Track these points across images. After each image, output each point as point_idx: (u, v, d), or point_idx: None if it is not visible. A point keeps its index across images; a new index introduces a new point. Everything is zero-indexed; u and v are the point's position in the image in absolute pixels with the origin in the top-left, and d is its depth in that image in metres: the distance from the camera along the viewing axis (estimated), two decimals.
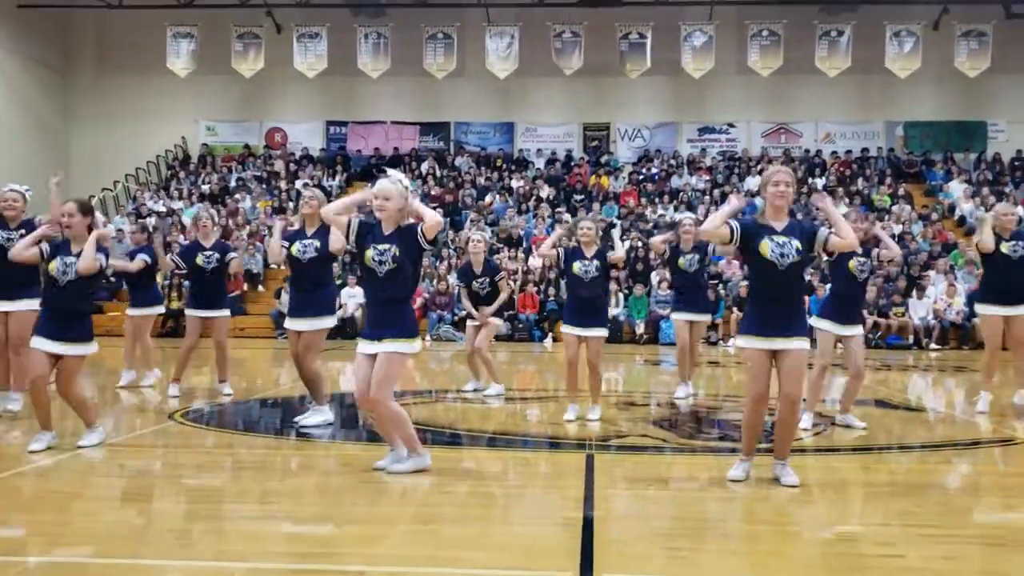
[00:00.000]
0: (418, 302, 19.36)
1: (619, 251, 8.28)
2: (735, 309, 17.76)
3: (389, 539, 4.63)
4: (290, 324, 7.86)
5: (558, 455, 7.02)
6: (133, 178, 25.93)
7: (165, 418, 8.18)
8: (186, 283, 17.39)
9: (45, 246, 6.72)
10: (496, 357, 11.07)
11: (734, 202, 5.70)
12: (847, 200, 22.76)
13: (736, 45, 23.91)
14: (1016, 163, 24.89)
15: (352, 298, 18.87)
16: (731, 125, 26.41)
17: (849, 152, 25.65)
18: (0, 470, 5.92)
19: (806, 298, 15.98)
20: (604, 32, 23.29)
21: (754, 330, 5.62)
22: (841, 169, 24.83)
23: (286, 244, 7.81)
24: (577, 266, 7.99)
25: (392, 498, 5.45)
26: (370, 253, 5.83)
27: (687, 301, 9.78)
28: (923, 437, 7.83)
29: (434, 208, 22.48)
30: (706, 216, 21.98)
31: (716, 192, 23.68)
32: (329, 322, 7.87)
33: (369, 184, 24.25)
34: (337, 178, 25.22)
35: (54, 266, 6.39)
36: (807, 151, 25.76)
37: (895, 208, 22.71)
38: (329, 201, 7.08)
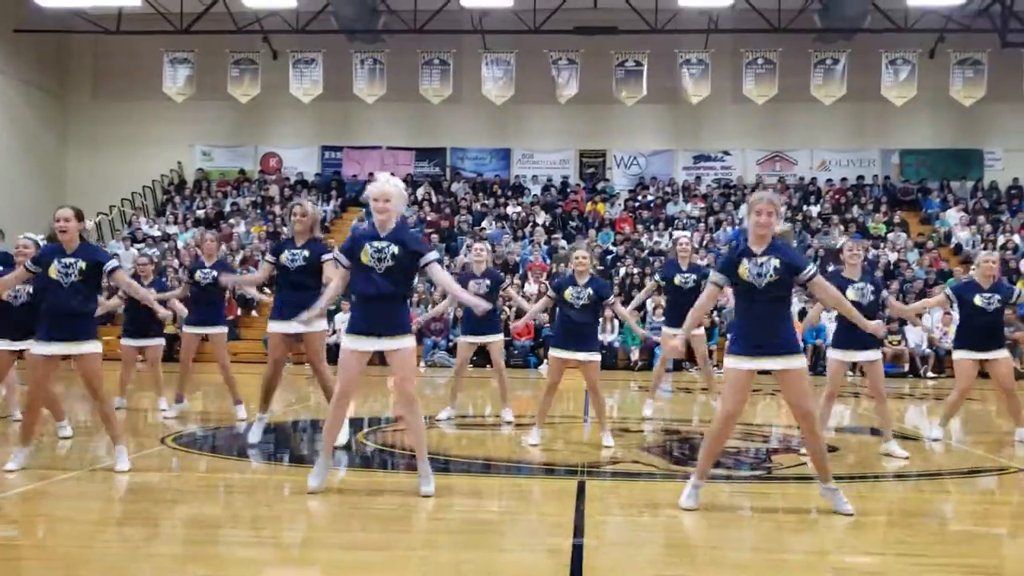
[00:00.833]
0: (412, 327, 19.31)
1: (621, 312, 8.47)
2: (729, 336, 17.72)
3: (380, 565, 4.58)
4: (276, 328, 7.78)
5: (550, 481, 6.97)
6: (129, 202, 25.93)
7: (157, 442, 8.12)
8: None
9: (31, 264, 6.84)
10: (492, 383, 11.02)
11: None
12: (842, 228, 22.80)
13: (732, 73, 24.04)
14: (1012, 191, 24.99)
15: (345, 324, 18.77)
16: (726, 153, 26.49)
17: (844, 180, 25.73)
18: None
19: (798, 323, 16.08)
20: (600, 59, 23.42)
21: (735, 349, 5.71)
22: (836, 197, 24.90)
23: (272, 259, 7.83)
24: (569, 292, 7.98)
25: (383, 524, 5.40)
26: (368, 250, 5.88)
27: (679, 317, 9.82)
28: (919, 466, 7.79)
29: (430, 233, 22.59)
30: (701, 241, 22.08)
31: (711, 219, 23.73)
32: (323, 325, 7.95)
33: (364, 210, 24.25)
34: (332, 203, 25.24)
35: (54, 270, 6.58)
36: (802, 179, 25.84)
37: (891, 236, 22.76)
38: (320, 215, 7.61)
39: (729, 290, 5.86)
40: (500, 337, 9.78)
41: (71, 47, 26.51)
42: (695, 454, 8.25)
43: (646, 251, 22.18)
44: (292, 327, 7.55)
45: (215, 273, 9.63)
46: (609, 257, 22.00)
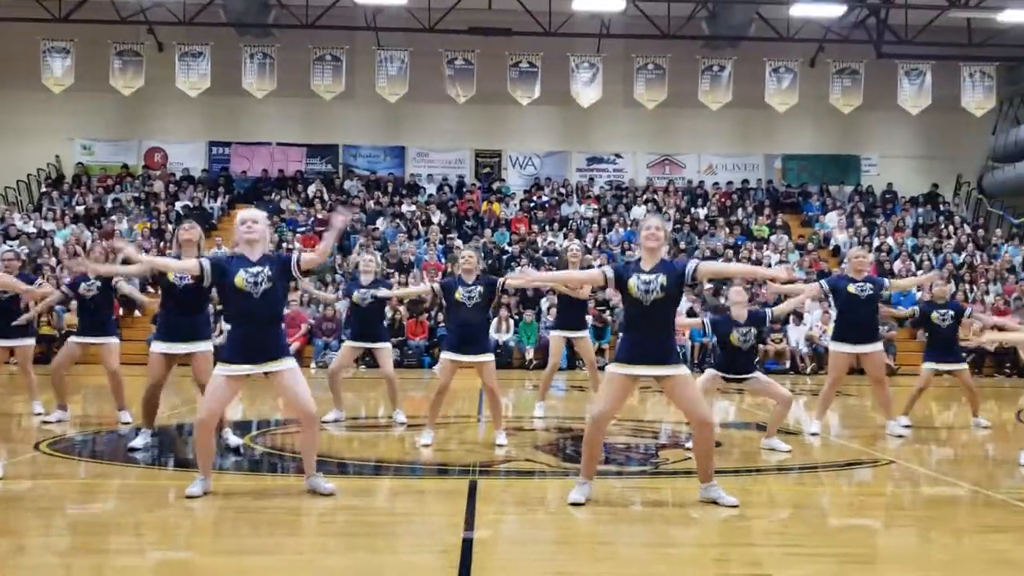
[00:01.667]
0: (303, 328, 19.03)
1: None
2: (620, 335, 17.99)
3: (268, 570, 4.50)
4: (161, 348, 7.61)
5: (442, 481, 6.96)
6: (2, 198, 24.76)
7: (30, 448, 7.78)
8: (57, 307, 16.79)
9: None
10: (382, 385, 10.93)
11: None
12: (728, 230, 23.45)
13: (623, 77, 24.45)
14: (887, 195, 26.14)
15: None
16: (618, 155, 26.93)
17: (730, 183, 26.47)
18: None
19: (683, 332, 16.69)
20: (495, 60, 23.49)
21: (622, 357, 5.95)
22: (722, 200, 25.60)
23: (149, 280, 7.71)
24: (460, 292, 8.00)
25: (271, 528, 5.31)
26: (242, 276, 5.82)
27: (564, 319, 10.33)
28: (800, 460, 8.08)
29: (321, 232, 22.25)
30: (594, 242, 22.42)
31: (604, 220, 24.09)
32: (209, 345, 7.71)
33: (252, 205, 23.81)
34: (219, 200, 24.64)
35: None
36: (690, 182, 26.47)
37: (773, 238, 23.51)
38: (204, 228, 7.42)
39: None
40: (388, 344, 9.77)
41: None
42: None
43: (541, 251, 22.37)
44: (177, 347, 7.48)
45: (99, 282, 9.29)
46: (504, 257, 22.11)
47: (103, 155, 26.19)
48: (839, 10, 22.80)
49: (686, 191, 25.90)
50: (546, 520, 5.69)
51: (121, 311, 19.81)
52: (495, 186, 26.08)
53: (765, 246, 22.97)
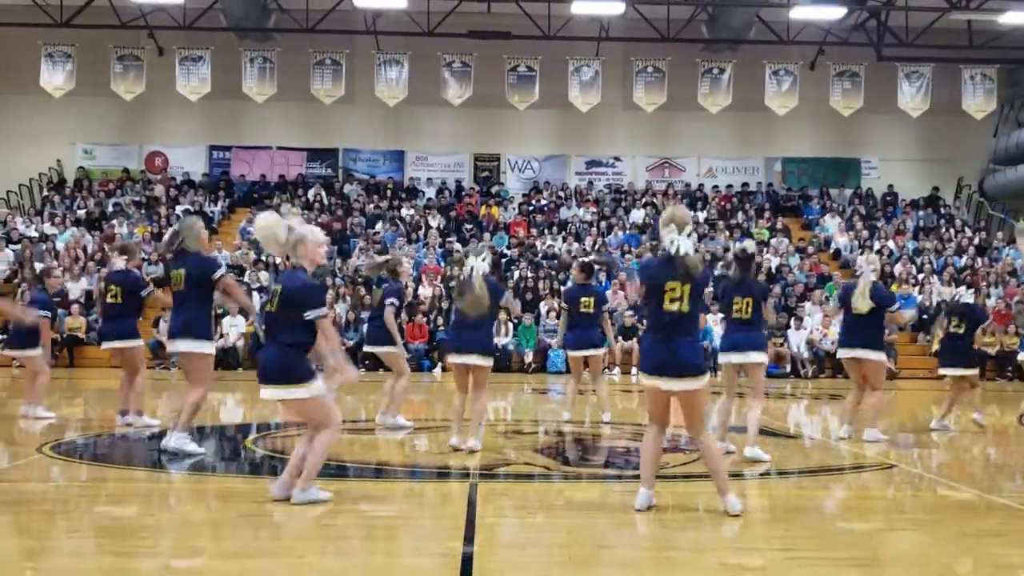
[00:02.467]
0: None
1: (515, 309, 8.50)
2: (620, 339, 17.97)
3: (269, 572, 4.50)
4: (170, 347, 7.91)
5: (442, 485, 6.96)
6: (4, 202, 24.77)
7: (33, 451, 7.78)
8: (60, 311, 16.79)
9: None
10: (383, 387, 10.92)
11: None
12: (728, 233, 23.46)
13: (622, 81, 24.46)
14: (887, 198, 26.15)
15: (233, 327, 18.38)
16: (617, 159, 26.93)
17: (730, 186, 26.47)
18: None
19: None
20: (494, 64, 23.50)
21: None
22: (722, 203, 25.60)
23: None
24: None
25: (271, 531, 5.31)
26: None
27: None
28: (800, 463, 8.06)
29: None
30: (593, 246, 22.40)
31: (603, 224, 24.09)
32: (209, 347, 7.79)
33: (252, 209, 23.88)
34: (220, 204, 24.65)
35: None
36: (689, 185, 26.47)
37: (773, 241, 23.51)
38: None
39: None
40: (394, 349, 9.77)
41: None
42: (587, 455, 8.38)
43: (540, 255, 22.38)
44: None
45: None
46: (504, 261, 22.11)
47: (104, 159, 26.21)
48: (839, 12, 22.81)
49: (686, 194, 25.89)
50: (546, 523, 5.69)
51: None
52: (494, 190, 26.09)
53: (765, 249, 22.97)
